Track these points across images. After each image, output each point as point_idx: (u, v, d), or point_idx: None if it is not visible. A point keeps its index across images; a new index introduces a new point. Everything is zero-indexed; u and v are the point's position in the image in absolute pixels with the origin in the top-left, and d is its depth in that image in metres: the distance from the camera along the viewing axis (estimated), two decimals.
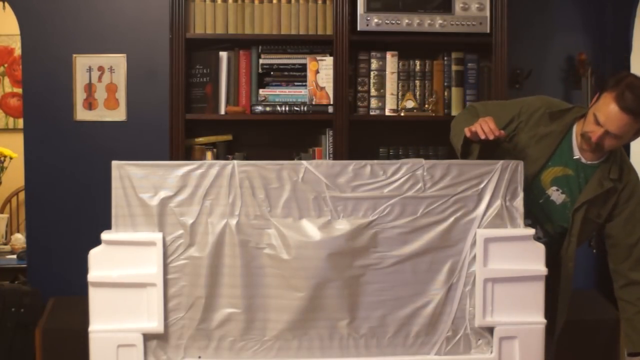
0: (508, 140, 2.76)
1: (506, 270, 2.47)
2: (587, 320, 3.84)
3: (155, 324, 2.38)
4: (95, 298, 2.37)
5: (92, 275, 2.37)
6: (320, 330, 2.44)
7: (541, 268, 2.49)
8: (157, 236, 2.37)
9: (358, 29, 3.73)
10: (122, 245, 2.37)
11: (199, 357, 2.43)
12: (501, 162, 2.48)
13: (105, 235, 2.38)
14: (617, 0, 4.29)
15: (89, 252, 2.37)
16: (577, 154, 2.75)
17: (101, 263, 2.37)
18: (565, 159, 2.76)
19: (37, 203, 4.11)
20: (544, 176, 2.76)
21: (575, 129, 2.76)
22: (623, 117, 2.57)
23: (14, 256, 4.94)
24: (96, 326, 2.37)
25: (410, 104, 3.87)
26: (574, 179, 2.76)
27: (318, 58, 3.82)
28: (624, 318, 2.80)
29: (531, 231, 2.52)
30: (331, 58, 3.79)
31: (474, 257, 2.46)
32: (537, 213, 2.77)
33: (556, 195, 2.76)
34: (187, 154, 3.78)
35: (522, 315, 2.48)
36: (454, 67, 3.90)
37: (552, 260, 2.73)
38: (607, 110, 2.59)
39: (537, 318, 2.50)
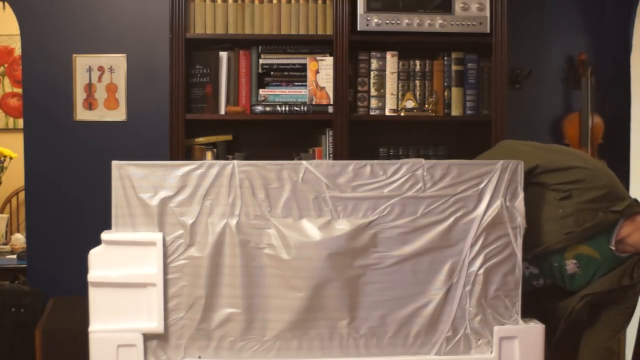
0: (560, 197, 2.68)
1: None
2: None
3: (155, 324, 2.38)
4: (95, 298, 2.37)
5: (92, 275, 2.37)
6: (320, 330, 2.44)
7: None
8: (157, 236, 2.36)
9: (358, 29, 3.73)
10: (122, 245, 2.37)
11: (199, 357, 2.43)
12: (501, 162, 2.48)
13: (105, 235, 2.38)
14: (617, 0, 4.29)
15: (89, 252, 2.37)
16: (613, 245, 2.68)
17: (101, 263, 2.37)
18: (600, 244, 2.68)
19: (37, 203, 4.11)
20: (571, 249, 2.69)
21: (621, 223, 2.67)
22: None
23: (14, 256, 4.93)
24: (96, 326, 2.37)
25: (410, 104, 3.86)
26: (597, 262, 2.69)
27: (318, 58, 3.82)
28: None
29: None
30: (331, 58, 3.79)
31: (474, 257, 2.46)
32: (545, 269, 2.74)
33: (572, 267, 2.69)
34: (187, 154, 3.78)
35: None
36: (454, 67, 3.90)
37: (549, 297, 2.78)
38: None
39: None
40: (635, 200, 2.70)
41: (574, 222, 2.64)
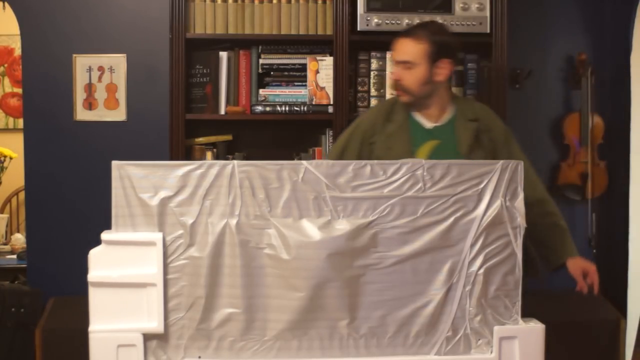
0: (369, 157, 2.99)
1: None
2: (587, 320, 3.84)
3: (155, 324, 2.38)
4: (95, 298, 2.37)
5: (92, 275, 2.37)
6: (320, 330, 2.44)
7: None
8: (157, 236, 2.36)
9: (358, 29, 3.73)
10: (122, 245, 2.37)
11: (199, 357, 2.43)
12: (501, 162, 2.48)
13: (105, 235, 2.38)
14: (617, 0, 4.29)
15: (89, 252, 2.37)
16: (427, 124, 2.97)
17: (101, 263, 2.37)
18: (423, 133, 2.98)
19: (37, 203, 4.11)
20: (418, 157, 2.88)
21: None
22: (403, 41, 2.96)
23: (14, 256, 4.94)
24: (96, 326, 2.37)
25: None
26: (444, 145, 2.92)
27: (318, 58, 3.82)
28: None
29: None
30: (331, 58, 3.79)
31: (474, 257, 2.46)
32: None
33: None
34: (187, 154, 3.78)
35: None
36: None
37: None
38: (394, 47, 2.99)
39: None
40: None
41: (396, 142, 2.93)
